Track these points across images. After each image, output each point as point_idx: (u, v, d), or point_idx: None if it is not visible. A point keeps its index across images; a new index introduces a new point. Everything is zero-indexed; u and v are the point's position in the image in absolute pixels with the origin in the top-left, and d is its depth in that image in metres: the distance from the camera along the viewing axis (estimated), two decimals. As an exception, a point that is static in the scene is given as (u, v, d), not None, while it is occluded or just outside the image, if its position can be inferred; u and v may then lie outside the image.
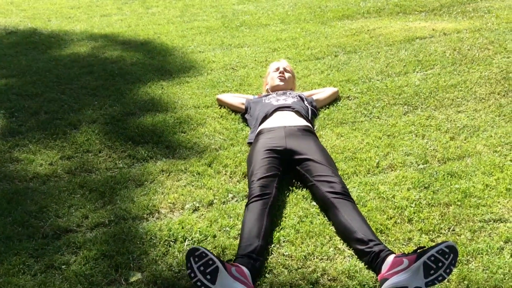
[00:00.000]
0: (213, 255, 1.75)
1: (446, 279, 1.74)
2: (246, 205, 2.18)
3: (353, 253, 1.98)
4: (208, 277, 1.73)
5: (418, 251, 1.76)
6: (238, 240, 2.04)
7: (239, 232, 2.08)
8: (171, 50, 4.61)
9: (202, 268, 1.73)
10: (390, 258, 1.80)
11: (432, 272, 1.70)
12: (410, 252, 1.82)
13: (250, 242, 1.95)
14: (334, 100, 3.34)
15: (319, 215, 2.21)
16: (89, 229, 2.19)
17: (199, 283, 1.74)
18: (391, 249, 1.97)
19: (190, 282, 1.81)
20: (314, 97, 3.24)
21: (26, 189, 2.48)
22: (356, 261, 1.93)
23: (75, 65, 4.19)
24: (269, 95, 3.12)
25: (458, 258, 1.74)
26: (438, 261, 1.69)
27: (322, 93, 3.32)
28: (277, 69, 3.33)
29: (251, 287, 1.79)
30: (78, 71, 4.03)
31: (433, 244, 1.95)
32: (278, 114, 2.79)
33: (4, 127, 3.09)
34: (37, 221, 2.24)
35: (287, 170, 2.46)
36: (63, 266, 1.97)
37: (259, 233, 2.00)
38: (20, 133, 3.03)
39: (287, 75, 3.30)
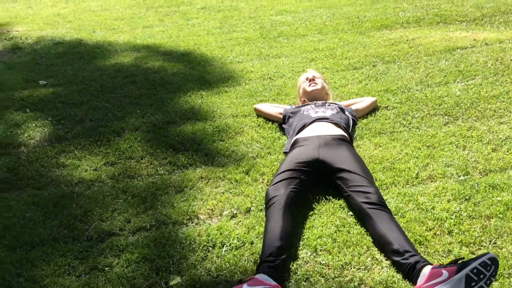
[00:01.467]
0: None
1: None
2: (265, 212, 2.21)
3: (390, 263, 1.97)
4: None
5: (459, 262, 1.74)
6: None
7: None
8: (210, 60, 4.70)
9: None
10: (427, 270, 1.78)
11: (473, 284, 1.68)
12: (447, 263, 1.80)
13: (268, 247, 1.98)
14: (373, 109, 3.33)
15: (356, 225, 2.21)
16: (131, 233, 2.26)
17: None
18: (431, 261, 1.95)
19: (243, 279, 1.85)
20: (353, 107, 3.23)
21: (72, 193, 2.58)
22: (393, 272, 1.92)
23: (119, 74, 4.34)
24: (307, 105, 3.13)
25: (498, 270, 1.71)
26: (480, 273, 1.67)
27: (361, 103, 3.31)
28: (307, 78, 3.35)
29: (272, 285, 1.80)
30: (122, 81, 4.17)
31: (473, 256, 1.91)
32: (315, 124, 2.81)
33: (51, 134, 3.23)
34: (82, 224, 2.33)
35: (323, 180, 2.47)
36: (106, 268, 2.04)
37: (275, 236, 2.02)
38: (66, 139, 3.16)
39: (318, 80, 3.31)
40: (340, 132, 2.72)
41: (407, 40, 4.84)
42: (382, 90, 3.64)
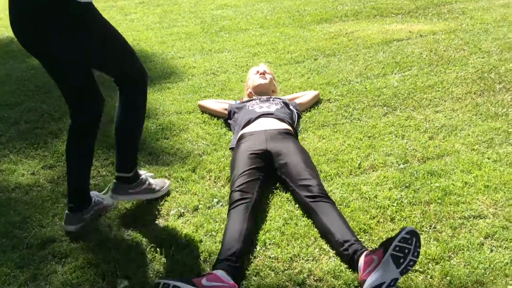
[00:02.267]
0: (176, 280, 1.71)
1: (416, 262, 1.77)
2: (228, 211, 2.20)
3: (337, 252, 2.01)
4: None
5: (386, 244, 1.80)
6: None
7: None
8: (151, 56, 4.60)
9: None
10: (362, 259, 1.84)
11: (401, 260, 1.74)
12: (376, 248, 1.86)
13: (230, 247, 1.96)
14: (315, 103, 3.38)
15: (303, 216, 2.24)
16: (74, 238, 2.18)
17: None
18: (375, 247, 2.01)
19: None
20: (297, 101, 3.27)
21: (9, 199, 2.45)
22: (341, 261, 1.96)
23: (54, 73, 4.15)
24: (252, 100, 3.14)
25: (421, 239, 1.78)
26: (403, 248, 1.74)
27: (304, 97, 3.36)
28: (257, 71, 3.38)
29: (230, 284, 1.79)
30: (58, 80, 3.99)
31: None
32: (260, 120, 2.82)
33: (-16, 138, 3.05)
34: (21, 232, 2.22)
35: (271, 173, 2.49)
36: (49, 276, 1.96)
37: (239, 236, 2.01)
38: (0, 143, 2.99)
39: (267, 76, 3.35)
40: (285, 126, 2.75)
41: (346, 33, 4.95)
42: (324, 83, 3.71)
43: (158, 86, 3.84)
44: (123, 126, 2.19)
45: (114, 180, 2.26)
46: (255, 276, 1.92)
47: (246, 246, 2.02)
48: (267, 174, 2.45)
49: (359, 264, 1.85)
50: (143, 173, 2.38)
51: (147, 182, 2.34)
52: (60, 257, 2.07)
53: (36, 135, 3.07)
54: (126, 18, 6.20)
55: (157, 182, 2.43)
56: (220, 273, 1.82)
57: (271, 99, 3.10)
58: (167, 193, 2.46)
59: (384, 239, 2.06)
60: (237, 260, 1.92)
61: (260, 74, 3.34)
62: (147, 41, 5.10)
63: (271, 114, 2.86)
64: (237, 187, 2.28)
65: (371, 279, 1.75)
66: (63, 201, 2.42)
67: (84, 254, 2.06)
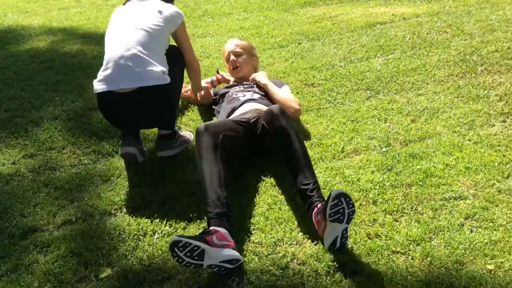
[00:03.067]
0: (196, 240, 1.76)
1: (355, 209, 1.86)
2: (197, 147, 2.19)
3: (320, 237, 2.01)
4: (196, 257, 1.76)
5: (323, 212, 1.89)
6: (201, 189, 2.05)
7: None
8: (133, 42, 4.53)
9: (188, 254, 1.75)
10: (313, 217, 1.99)
11: (341, 217, 1.85)
12: (320, 210, 1.93)
13: (217, 195, 1.99)
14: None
15: (288, 201, 2.24)
16: (57, 227, 2.17)
17: (188, 264, 1.77)
18: (358, 230, 2.03)
19: (176, 265, 1.85)
20: (274, 97, 2.95)
21: (-11, 190, 2.42)
22: (322, 244, 1.97)
23: (34, 60, 4.08)
24: (235, 85, 3.10)
25: (351, 197, 1.85)
26: (337, 211, 1.83)
27: (281, 97, 2.93)
28: (228, 59, 3.20)
29: (232, 242, 1.87)
30: (38, 67, 3.93)
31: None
32: (246, 105, 2.80)
33: (-38, 127, 3.00)
34: (2, 222, 2.19)
35: (255, 152, 2.48)
36: (32, 265, 1.95)
37: (221, 183, 2.04)
38: (-21, 132, 2.95)
39: (240, 60, 3.16)
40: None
41: (330, 17, 4.93)
42: (307, 68, 3.70)
43: (140, 73, 3.79)
44: None
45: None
46: (239, 261, 1.92)
47: (226, 192, 2.05)
48: (246, 142, 2.45)
49: (313, 219, 1.99)
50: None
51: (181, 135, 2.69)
52: (42, 246, 2.05)
53: (16, 123, 3.02)
54: (107, 3, 6.10)
55: (185, 134, 2.77)
56: (224, 231, 1.87)
57: (254, 88, 3.02)
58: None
59: (364, 219, 2.08)
60: (228, 209, 1.97)
61: (232, 65, 3.16)
62: (129, 26, 5.02)
63: (255, 100, 2.84)
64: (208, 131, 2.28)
65: (326, 240, 1.92)
66: (44, 190, 2.40)
67: (66, 243, 2.05)
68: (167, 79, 2.35)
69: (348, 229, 1.94)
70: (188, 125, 2.99)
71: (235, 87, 3.06)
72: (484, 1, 5.00)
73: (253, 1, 5.73)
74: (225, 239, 1.85)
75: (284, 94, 2.93)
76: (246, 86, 3.06)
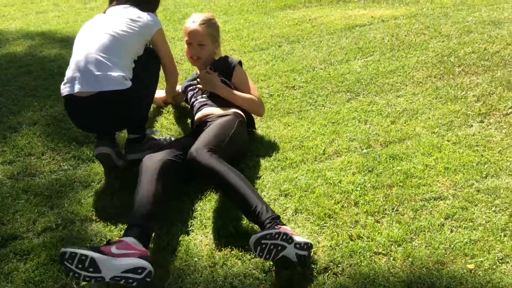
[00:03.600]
0: (83, 248, 1.67)
1: (280, 232, 1.79)
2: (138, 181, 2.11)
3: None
4: (91, 269, 1.67)
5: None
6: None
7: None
8: (112, 46, 4.49)
9: (80, 265, 1.66)
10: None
11: (279, 249, 1.81)
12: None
13: (140, 212, 1.95)
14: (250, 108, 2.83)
15: (270, 204, 2.24)
16: (37, 234, 2.13)
17: (87, 279, 1.69)
18: (340, 232, 2.05)
19: (78, 283, 1.82)
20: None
21: (-34, 197, 2.37)
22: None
23: (12, 65, 4.02)
24: (192, 85, 2.95)
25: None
26: (269, 251, 1.80)
27: (241, 103, 2.78)
28: (188, 42, 2.87)
29: (141, 251, 1.78)
30: (15, 72, 3.87)
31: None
32: (199, 113, 2.71)
33: None
34: (-21, 231, 2.15)
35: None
36: (12, 274, 1.91)
37: (150, 200, 1.99)
38: (-45, 139, 2.88)
39: (200, 50, 2.83)
40: (227, 111, 2.65)
41: (309, 19, 4.96)
42: (288, 70, 3.71)
43: (121, 76, 3.76)
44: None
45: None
46: (222, 267, 1.92)
47: (157, 210, 2.00)
48: None
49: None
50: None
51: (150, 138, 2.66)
52: (22, 254, 2.02)
53: (-7, 130, 2.97)
54: (85, 7, 6.03)
55: (161, 138, 2.73)
56: (130, 240, 1.80)
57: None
58: None
59: (346, 220, 2.10)
60: (147, 224, 1.91)
61: (190, 54, 2.88)
62: (108, 30, 4.97)
63: (207, 105, 2.72)
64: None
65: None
66: (23, 197, 2.36)
67: (46, 250, 2.02)
68: (127, 84, 2.33)
69: (298, 244, 1.84)
70: (170, 129, 2.97)
71: (191, 87, 2.95)
72: (460, 3, 5.09)
73: (233, 4, 5.74)
74: (129, 247, 1.76)
75: (243, 99, 2.74)
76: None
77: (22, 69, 3.92)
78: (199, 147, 2.19)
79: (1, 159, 2.68)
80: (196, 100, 2.82)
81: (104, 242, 1.96)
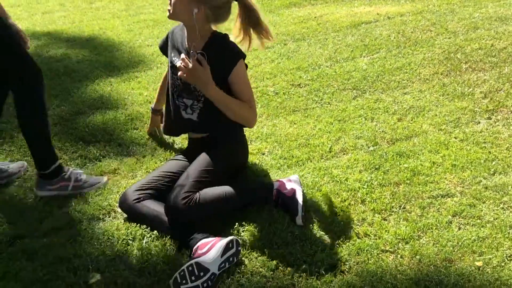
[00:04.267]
0: (185, 264, 1.79)
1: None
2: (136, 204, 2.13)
3: (308, 236, 2.02)
4: (202, 273, 1.78)
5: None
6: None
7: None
8: (118, 45, 4.51)
9: (193, 277, 1.77)
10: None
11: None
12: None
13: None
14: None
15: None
16: (44, 234, 2.14)
17: (205, 285, 1.79)
18: (347, 230, 2.04)
19: (166, 269, 1.88)
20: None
21: (-26, 197, 2.39)
22: (312, 245, 1.97)
23: (18, 65, 4.03)
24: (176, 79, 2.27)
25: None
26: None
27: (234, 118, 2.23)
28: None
29: (217, 238, 1.90)
30: (22, 72, 3.88)
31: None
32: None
33: None
34: (-12, 230, 2.16)
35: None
36: (20, 273, 1.92)
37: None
38: (-37, 139, 2.90)
39: (175, 2, 2.07)
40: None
41: (315, 17, 4.95)
42: (294, 68, 3.71)
43: (126, 76, 3.77)
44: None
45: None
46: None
47: None
48: None
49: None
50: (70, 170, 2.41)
51: (72, 179, 2.38)
52: (30, 253, 2.02)
53: (1, 130, 2.98)
54: (91, 7, 6.05)
55: (88, 179, 2.45)
56: (199, 237, 1.93)
57: (195, 97, 2.22)
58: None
59: (353, 218, 2.09)
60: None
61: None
62: (114, 29, 5.00)
63: (194, 122, 2.28)
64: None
65: None
66: (31, 196, 2.37)
67: (54, 250, 2.02)
68: None
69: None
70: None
71: (176, 58, 2.24)
72: (467, -1, 5.06)
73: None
74: (206, 243, 1.87)
75: (237, 111, 2.17)
76: (185, 92, 2.24)
77: (28, 69, 3.93)
78: (176, 196, 2.03)
79: (9, 159, 2.70)
80: (179, 98, 2.27)
81: (126, 244, 2.02)
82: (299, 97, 3.27)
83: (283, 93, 3.33)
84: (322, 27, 4.61)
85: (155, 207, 2.10)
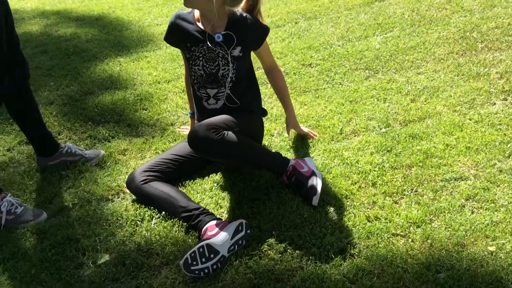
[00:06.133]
0: (195, 246, 1.78)
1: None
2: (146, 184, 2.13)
3: (317, 219, 1.99)
4: (212, 255, 1.78)
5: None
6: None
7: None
8: (127, 24, 4.47)
9: (203, 259, 1.77)
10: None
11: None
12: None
13: (190, 203, 2.02)
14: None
15: (283, 187, 2.22)
16: (53, 213, 2.14)
17: (215, 266, 1.79)
18: (357, 213, 2.01)
19: (174, 250, 1.86)
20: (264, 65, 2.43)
21: (-16, 177, 2.40)
22: (321, 228, 1.95)
23: (28, 45, 4.02)
24: (199, 63, 2.21)
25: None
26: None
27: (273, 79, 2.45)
28: None
29: (223, 220, 1.93)
30: (31, 51, 3.87)
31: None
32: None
33: (-44, 114, 2.96)
34: (-3, 210, 2.17)
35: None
36: (29, 253, 1.93)
37: (185, 196, 2.08)
38: (-27, 119, 2.91)
39: None
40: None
41: (327, -6, 4.84)
42: (305, 48, 3.64)
43: (135, 55, 3.74)
44: None
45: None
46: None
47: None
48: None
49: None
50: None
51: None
52: (38, 233, 2.03)
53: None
54: (101, -15, 5.99)
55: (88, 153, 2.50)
56: (209, 219, 1.92)
57: (225, 77, 2.21)
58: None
59: (363, 201, 2.06)
60: (201, 209, 1.99)
61: None
62: (123, 8, 4.94)
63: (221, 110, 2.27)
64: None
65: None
66: (40, 177, 2.37)
67: (63, 230, 2.03)
68: None
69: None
70: (185, 108, 2.94)
71: (196, 47, 2.18)
72: (484, -24, 4.91)
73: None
74: (215, 224, 1.87)
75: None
76: (210, 80, 2.21)
77: (38, 48, 3.92)
78: (204, 125, 1.97)
79: (18, 139, 2.70)
80: (201, 89, 2.26)
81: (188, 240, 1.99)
82: (310, 77, 3.21)
83: (294, 73, 3.28)
84: (334, 5, 4.51)
85: (163, 189, 2.08)
